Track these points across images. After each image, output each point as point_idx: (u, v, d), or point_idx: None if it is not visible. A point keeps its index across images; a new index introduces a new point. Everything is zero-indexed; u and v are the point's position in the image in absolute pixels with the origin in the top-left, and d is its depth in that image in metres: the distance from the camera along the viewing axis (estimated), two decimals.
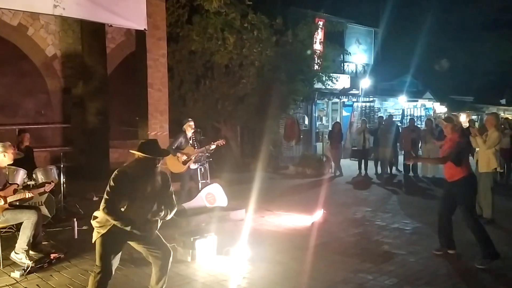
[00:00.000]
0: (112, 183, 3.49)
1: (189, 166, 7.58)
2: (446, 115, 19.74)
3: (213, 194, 7.40)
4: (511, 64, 24.67)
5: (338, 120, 16.71)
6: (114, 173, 3.55)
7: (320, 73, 14.24)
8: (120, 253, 3.67)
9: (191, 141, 7.67)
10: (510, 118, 15.53)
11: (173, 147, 7.56)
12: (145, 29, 9.18)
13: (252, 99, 12.49)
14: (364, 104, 18.43)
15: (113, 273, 3.60)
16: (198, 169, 7.84)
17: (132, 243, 3.76)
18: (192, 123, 7.69)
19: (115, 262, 3.64)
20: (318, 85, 14.80)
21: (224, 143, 7.90)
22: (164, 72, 9.94)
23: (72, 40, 11.45)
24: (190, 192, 7.80)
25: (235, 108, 12.50)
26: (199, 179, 7.88)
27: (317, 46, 15.14)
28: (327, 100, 17.69)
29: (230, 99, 12.33)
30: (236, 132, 14.13)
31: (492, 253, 4.93)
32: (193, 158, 7.56)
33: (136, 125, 10.38)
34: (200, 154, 7.66)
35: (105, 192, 3.51)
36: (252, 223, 6.86)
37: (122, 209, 3.56)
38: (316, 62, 14.07)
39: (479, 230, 5.04)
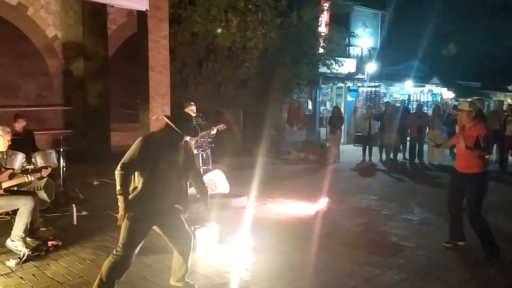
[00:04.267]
0: (134, 146, 3.44)
1: None
2: (453, 100, 19.48)
3: (214, 180, 7.25)
4: None
5: (342, 105, 16.48)
6: (140, 138, 3.52)
7: (325, 57, 13.97)
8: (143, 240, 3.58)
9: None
10: None
11: None
12: (146, 9, 8.94)
13: (255, 83, 12.27)
14: (369, 89, 18.15)
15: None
16: (200, 155, 7.68)
17: (156, 228, 3.68)
18: (193, 107, 7.50)
19: (137, 249, 3.57)
20: (322, 69, 14.56)
21: (225, 127, 7.73)
22: (166, 55, 9.72)
23: (73, 21, 11.19)
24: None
25: (237, 92, 12.29)
26: (200, 164, 7.72)
27: (322, 29, 14.80)
28: (331, 85, 17.43)
29: (233, 83, 12.11)
30: (238, 116, 13.95)
31: (495, 249, 4.77)
32: (193, 143, 7.39)
33: (137, 108, 10.22)
34: (201, 139, 7.49)
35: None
36: (254, 211, 6.72)
37: (146, 179, 3.45)
38: (321, 45, 13.78)
39: (483, 227, 4.84)
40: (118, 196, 3.36)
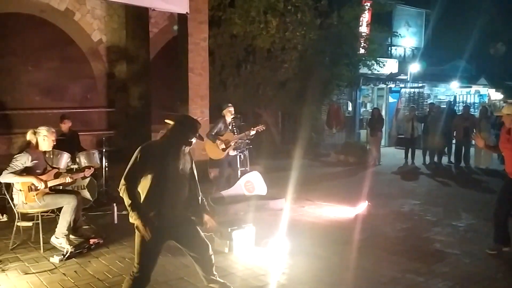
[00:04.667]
0: (136, 154, 3.21)
1: (228, 153, 7.43)
2: (502, 102, 18.59)
3: (252, 182, 7.24)
4: None
5: (384, 106, 16.09)
6: (139, 147, 3.27)
7: (366, 57, 13.67)
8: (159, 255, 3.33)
9: (230, 127, 7.50)
10: None
11: (212, 133, 7.43)
12: (187, 12, 9.06)
13: (294, 84, 12.18)
14: (412, 90, 17.62)
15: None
16: (238, 156, 7.67)
17: (172, 240, 3.45)
18: (232, 109, 7.51)
19: (155, 264, 3.29)
20: (363, 70, 14.26)
21: (264, 128, 7.68)
22: (205, 57, 9.82)
23: (117, 25, 11.49)
24: (228, 179, 7.66)
25: (276, 93, 12.24)
26: (238, 166, 7.72)
27: (363, 29, 14.50)
28: (372, 86, 17.05)
29: (271, 84, 12.06)
30: (276, 118, 13.89)
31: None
32: (232, 144, 7.40)
33: (177, 110, 10.36)
34: (239, 140, 7.49)
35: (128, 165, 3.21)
36: (291, 213, 6.64)
37: (151, 190, 3.18)
38: (362, 45, 13.51)
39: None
40: (131, 212, 3.07)
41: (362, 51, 13.64)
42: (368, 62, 13.70)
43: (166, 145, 3.26)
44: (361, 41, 13.53)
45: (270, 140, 13.15)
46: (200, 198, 3.54)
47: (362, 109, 16.81)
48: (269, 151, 11.87)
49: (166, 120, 3.44)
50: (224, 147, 7.37)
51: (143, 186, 3.20)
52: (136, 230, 3.18)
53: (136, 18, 11.10)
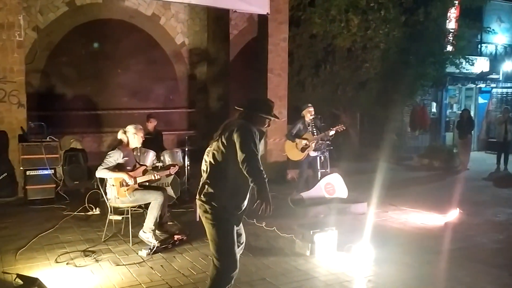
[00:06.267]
0: (248, 133, 3.05)
1: (308, 154, 7.31)
2: None
3: (332, 184, 7.05)
4: None
5: (472, 108, 15.01)
6: (244, 126, 3.11)
7: (454, 55, 12.83)
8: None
9: (309, 128, 7.37)
10: None
11: (292, 134, 7.35)
12: (267, 13, 9.10)
13: (375, 85, 11.73)
14: (505, 90, 16.26)
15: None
16: (318, 158, 7.52)
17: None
18: (311, 109, 7.39)
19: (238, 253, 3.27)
20: (450, 69, 13.39)
21: (344, 128, 7.45)
22: (284, 57, 9.80)
23: (199, 27, 11.86)
24: (307, 181, 7.53)
25: (356, 94, 11.87)
26: (318, 167, 7.56)
27: (452, 25, 13.62)
28: (460, 86, 15.98)
29: (351, 85, 11.73)
30: (355, 119, 13.49)
31: None
32: (312, 145, 7.26)
33: None
34: (320, 141, 7.33)
35: (245, 146, 3.00)
36: (374, 218, 6.34)
37: (236, 174, 3.08)
38: (449, 42, 12.70)
39: None
40: (265, 186, 2.93)
41: (449, 48, 12.82)
42: (456, 61, 12.84)
43: (252, 127, 3.18)
44: (449, 38, 12.72)
45: (348, 142, 12.79)
46: None
47: (448, 111, 15.82)
48: (347, 154, 11.52)
49: (236, 107, 3.38)
50: (303, 148, 7.25)
51: (228, 170, 3.11)
52: (214, 223, 3.11)
53: (217, 20, 11.38)
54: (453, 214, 6.32)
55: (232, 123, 3.26)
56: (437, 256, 4.86)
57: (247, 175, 2.98)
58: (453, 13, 13.67)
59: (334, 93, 11.89)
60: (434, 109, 15.18)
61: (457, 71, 13.30)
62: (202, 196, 3.19)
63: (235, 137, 3.06)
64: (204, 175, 3.26)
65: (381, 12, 10.92)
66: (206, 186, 3.18)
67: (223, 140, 3.14)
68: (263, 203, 2.90)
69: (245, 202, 3.23)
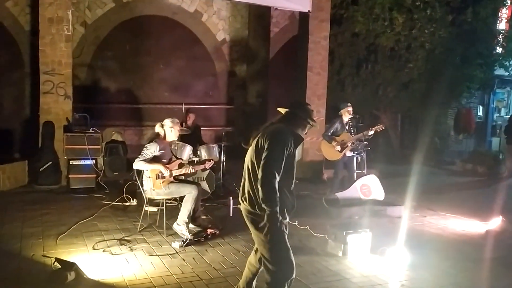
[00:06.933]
0: (279, 143, 2.92)
1: (345, 154, 7.19)
2: None
3: (369, 185, 6.89)
4: None
5: None
6: (279, 135, 2.99)
7: (504, 57, 12.27)
8: None
9: (347, 127, 7.25)
10: None
11: (329, 133, 7.25)
12: (309, 10, 9.04)
13: (418, 85, 11.41)
14: None
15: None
16: (354, 158, 7.39)
17: None
18: (350, 108, 7.26)
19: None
20: (499, 71, 12.84)
21: (383, 128, 7.29)
22: (325, 55, 9.69)
23: (240, 25, 11.93)
24: (343, 181, 7.42)
25: (397, 94, 11.58)
26: (355, 168, 7.43)
27: (502, 25, 13.03)
28: (509, 89, 15.28)
29: (393, 85, 11.45)
30: (396, 120, 13.16)
31: None
32: (349, 145, 7.14)
33: None
34: (357, 141, 7.20)
35: (267, 165, 2.88)
36: (411, 222, 6.19)
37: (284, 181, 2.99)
38: (499, 44, 12.15)
39: None
40: (273, 209, 2.84)
41: (499, 50, 12.27)
42: (505, 63, 12.28)
43: (290, 131, 3.09)
44: (499, 39, 12.17)
45: (388, 144, 12.52)
46: None
47: (495, 115, 15.17)
48: (386, 155, 11.30)
49: (278, 108, 3.34)
50: (340, 148, 7.14)
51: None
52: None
53: (259, 18, 11.40)
54: (495, 222, 6.04)
55: (271, 126, 3.15)
56: (476, 264, 4.66)
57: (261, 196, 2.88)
58: (504, 13, 13.08)
59: (375, 93, 11.64)
60: (480, 113, 14.60)
61: (507, 73, 12.72)
62: (245, 201, 3.10)
63: (266, 146, 2.95)
64: (245, 180, 3.16)
65: (427, 11, 10.58)
66: (248, 191, 3.08)
67: (262, 144, 3.01)
68: (266, 228, 2.86)
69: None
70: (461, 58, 11.27)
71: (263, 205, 2.88)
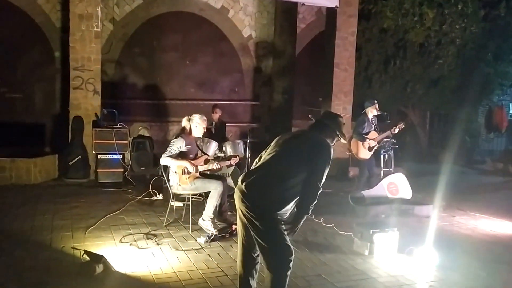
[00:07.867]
0: (328, 158, 3.06)
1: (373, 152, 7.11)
2: None
3: (396, 184, 6.78)
4: None
5: None
6: (327, 144, 3.14)
7: None
8: None
9: (373, 125, 7.17)
10: None
11: (360, 133, 7.13)
12: (336, 6, 8.93)
13: (448, 82, 11.12)
14: None
15: None
16: (381, 156, 7.28)
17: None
18: (377, 105, 7.16)
19: None
20: None
21: (403, 126, 7.19)
22: (352, 51, 9.58)
23: (266, 21, 11.88)
24: (369, 179, 7.31)
25: (426, 91, 11.32)
26: (382, 166, 7.32)
27: None
28: None
29: (422, 82, 11.19)
30: (424, 118, 12.89)
31: None
32: (377, 143, 7.06)
33: (318, 106, 10.28)
34: (385, 139, 7.11)
35: (321, 167, 3.02)
36: (440, 222, 6.06)
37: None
38: None
39: None
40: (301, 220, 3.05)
41: None
42: None
43: (331, 147, 3.20)
44: None
45: (416, 142, 12.28)
46: None
47: None
48: (414, 154, 11.09)
49: (310, 116, 3.38)
50: (371, 147, 7.06)
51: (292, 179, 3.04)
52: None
53: (285, 14, 11.32)
54: None
55: (310, 136, 3.21)
56: (507, 266, 4.53)
57: (300, 202, 3.04)
58: None
59: (403, 90, 11.41)
60: None
61: None
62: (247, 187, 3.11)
63: (316, 159, 3.04)
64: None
65: (458, 6, 10.29)
66: (261, 184, 3.09)
67: (309, 153, 3.05)
68: (292, 228, 3.05)
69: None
70: (493, 55, 10.93)
71: (299, 210, 3.05)
